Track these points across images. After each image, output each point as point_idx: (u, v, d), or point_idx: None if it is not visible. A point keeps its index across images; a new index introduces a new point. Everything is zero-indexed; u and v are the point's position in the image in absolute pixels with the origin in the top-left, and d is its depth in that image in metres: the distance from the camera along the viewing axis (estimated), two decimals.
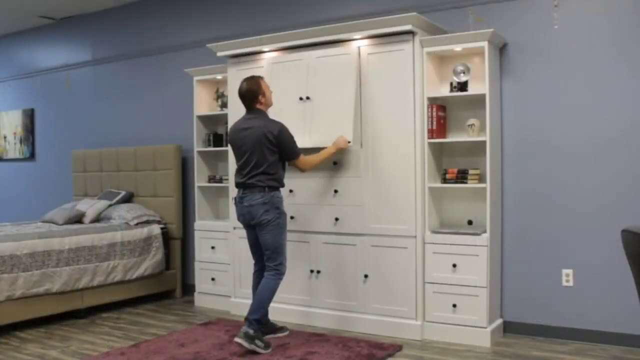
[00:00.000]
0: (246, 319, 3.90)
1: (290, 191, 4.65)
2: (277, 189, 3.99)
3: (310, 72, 4.49)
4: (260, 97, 4.00)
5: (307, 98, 4.43)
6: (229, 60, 5.02)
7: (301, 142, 4.30)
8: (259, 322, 3.91)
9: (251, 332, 3.83)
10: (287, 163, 4.12)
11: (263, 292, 3.93)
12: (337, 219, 4.48)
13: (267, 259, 4.00)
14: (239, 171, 4.03)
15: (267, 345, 3.89)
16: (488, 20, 4.37)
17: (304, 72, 4.52)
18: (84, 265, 4.90)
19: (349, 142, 4.23)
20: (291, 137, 4.00)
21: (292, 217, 4.66)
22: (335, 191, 4.49)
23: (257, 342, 3.84)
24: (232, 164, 5.03)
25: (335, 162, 4.43)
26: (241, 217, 4.05)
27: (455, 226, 4.39)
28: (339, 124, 4.29)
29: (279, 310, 4.75)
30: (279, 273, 3.98)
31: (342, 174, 4.51)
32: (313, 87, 4.46)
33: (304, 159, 4.08)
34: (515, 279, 4.31)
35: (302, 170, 4.15)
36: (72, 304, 4.85)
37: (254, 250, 4.17)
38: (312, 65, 4.49)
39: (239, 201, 4.02)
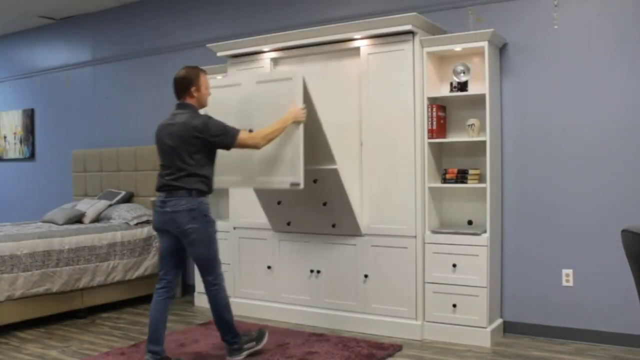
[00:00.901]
0: (223, 340, 3.70)
1: (279, 203, 4.53)
2: (205, 194, 3.53)
3: (250, 101, 3.94)
4: (193, 89, 3.55)
5: (250, 131, 3.74)
6: (229, 60, 5.02)
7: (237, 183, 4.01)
8: (237, 336, 3.71)
9: (235, 346, 3.69)
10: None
11: (221, 312, 3.62)
12: (333, 225, 4.47)
13: (203, 274, 3.61)
14: (161, 172, 3.56)
15: (258, 338, 3.83)
16: (488, 20, 4.37)
17: (243, 101, 3.96)
18: (84, 265, 4.90)
19: (303, 109, 3.69)
20: (220, 123, 3.50)
21: (288, 224, 4.66)
22: (324, 204, 4.33)
23: (247, 345, 3.76)
24: None
25: (316, 179, 4.18)
26: (162, 224, 3.53)
27: (455, 226, 4.39)
28: (286, 163, 3.74)
29: (279, 310, 4.76)
30: (220, 285, 3.62)
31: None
32: (254, 119, 3.87)
33: (249, 135, 3.56)
34: (515, 279, 4.31)
35: (255, 146, 3.58)
36: (72, 304, 4.85)
37: (166, 261, 3.64)
38: (252, 93, 3.94)
39: (159, 206, 3.52)
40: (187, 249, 3.57)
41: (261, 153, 3.76)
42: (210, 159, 3.58)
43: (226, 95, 4.03)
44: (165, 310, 3.60)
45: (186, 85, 3.56)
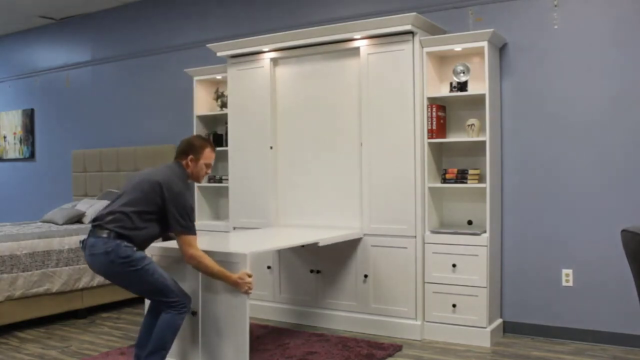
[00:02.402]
0: None
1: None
2: (127, 239, 3.11)
3: None
4: (190, 157, 3.33)
5: None
6: (229, 60, 5.03)
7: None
8: None
9: None
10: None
11: (163, 330, 3.15)
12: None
13: (159, 304, 3.24)
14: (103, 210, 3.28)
15: None
16: (488, 20, 4.37)
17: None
18: (84, 265, 4.89)
19: (250, 276, 3.21)
20: (185, 207, 3.16)
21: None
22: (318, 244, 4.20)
23: None
24: (232, 163, 5.05)
25: (303, 245, 4.14)
26: (89, 266, 3.22)
27: (455, 226, 4.39)
28: (230, 355, 3.28)
29: (279, 311, 4.76)
30: (181, 308, 3.20)
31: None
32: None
33: (192, 249, 3.15)
34: (515, 279, 4.31)
35: (184, 256, 3.18)
36: (72, 304, 4.85)
37: None
38: None
39: (82, 246, 3.23)
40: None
41: (206, 339, 3.37)
42: (160, 224, 3.23)
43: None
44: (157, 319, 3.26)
45: (186, 151, 3.36)
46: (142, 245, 3.23)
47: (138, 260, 3.11)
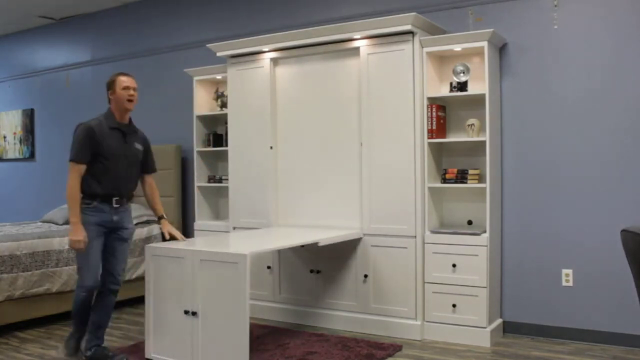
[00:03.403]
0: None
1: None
2: (86, 196, 3.55)
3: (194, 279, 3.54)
4: (109, 92, 3.65)
5: None
6: (229, 60, 5.03)
7: None
8: (80, 333, 3.77)
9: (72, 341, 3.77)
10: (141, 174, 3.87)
11: (73, 305, 3.76)
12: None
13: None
14: None
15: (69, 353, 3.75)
16: (488, 20, 4.37)
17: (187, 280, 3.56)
18: None
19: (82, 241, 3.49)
20: (76, 139, 3.53)
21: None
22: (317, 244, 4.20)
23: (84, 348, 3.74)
24: (232, 163, 5.05)
25: (303, 245, 4.21)
26: None
27: (455, 226, 4.39)
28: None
29: (279, 311, 4.76)
30: (79, 287, 3.69)
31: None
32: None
33: (71, 174, 3.50)
34: (515, 279, 4.31)
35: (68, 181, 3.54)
36: (72, 304, 4.84)
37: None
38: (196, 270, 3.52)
39: None
40: None
41: (206, 339, 3.39)
42: (91, 165, 3.54)
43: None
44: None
45: (107, 91, 3.68)
46: (92, 196, 3.57)
47: (85, 224, 3.52)
